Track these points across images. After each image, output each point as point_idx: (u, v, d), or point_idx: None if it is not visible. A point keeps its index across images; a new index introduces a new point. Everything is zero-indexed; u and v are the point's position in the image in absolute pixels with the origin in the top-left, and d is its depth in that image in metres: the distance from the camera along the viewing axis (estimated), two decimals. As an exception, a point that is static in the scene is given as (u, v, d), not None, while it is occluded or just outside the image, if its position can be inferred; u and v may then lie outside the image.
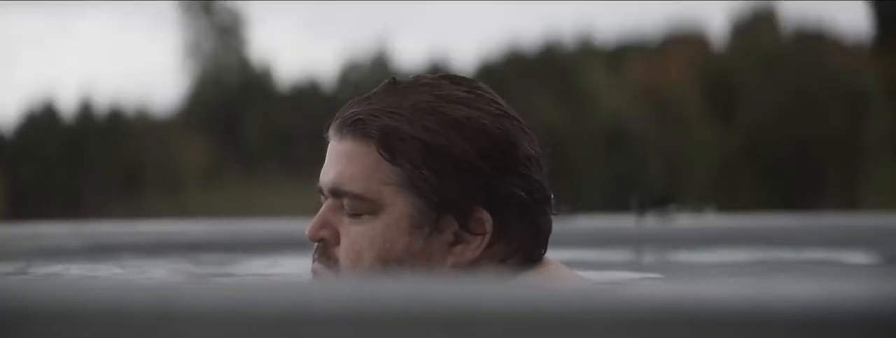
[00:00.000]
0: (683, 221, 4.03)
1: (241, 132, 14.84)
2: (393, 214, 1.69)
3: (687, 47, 14.37)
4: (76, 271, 3.03)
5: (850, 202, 13.00)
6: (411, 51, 15.80)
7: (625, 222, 4.04)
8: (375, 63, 14.45)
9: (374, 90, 1.75)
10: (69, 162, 14.46)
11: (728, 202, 9.78)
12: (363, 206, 1.70)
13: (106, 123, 14.70)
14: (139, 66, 16.72)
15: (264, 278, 2.68)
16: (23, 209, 13.42)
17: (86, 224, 4.57)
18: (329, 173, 1.73)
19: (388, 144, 1.69)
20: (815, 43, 14.04)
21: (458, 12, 15.09)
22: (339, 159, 1.72)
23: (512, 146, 1.71)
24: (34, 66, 15.78)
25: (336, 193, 1.72)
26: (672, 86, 14.26)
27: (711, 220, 4.32)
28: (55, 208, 13.26)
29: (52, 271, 3.00)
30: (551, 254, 1.79)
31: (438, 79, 1.75)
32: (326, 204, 1.74)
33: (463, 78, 1.76)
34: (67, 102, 14.64)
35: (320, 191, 1.75)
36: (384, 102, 1.72)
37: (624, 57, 14.71)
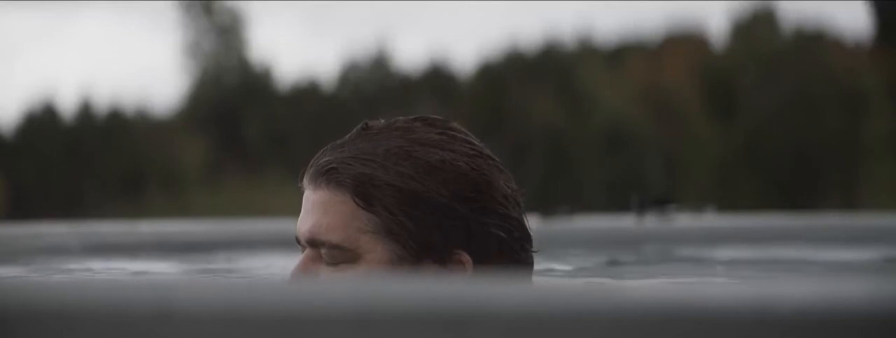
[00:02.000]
0: (683, 221, 4.03)
1: (241, 132, 14.83)
2: (372, 262, 1.68)
3: (687, 47, 14.37)
4: (76, 271, 3.03)
5: (850, 202, 13.00)
6: (411, 51, 15.78)
7: (625, 222, 4.04)
8: (375, 63, 14.43)
9: (347, 136, 1.74)
10: (69, 162, 14.46)
11: (728, 202, 9.78)
12: (341, 255, 1.69)
13: (106, 123, 14.70)
14: (139, 66, 16.71)
15: (264, 278, 2.68)
16: (23, 209, 13.42)
17: (86, 224, 4.57)
18: (306, 223, 1.72)
19: (364, 192, 1.68)
20: (815, 43, 14.04)
21: (458, 12, 15.08)
22: (315, 209, 1.71)
23: (488, 187, 1.70)
24: (34, 66, 15.79)
25: (313, 243, 1.71)
26: (672, 86, 14.26)
27: (711, 220, 4.32)
28: (55, 208, 13.25)
29: (52, 271, 3.00)
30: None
31: (411, 121, 1.74)
32: (304, 254, 1.73)
33: (436, 119, 1.76)
34: (67, 102, 14.65)
35: (297, 241, 1.75)
36: (357, 148, 1.71)
37: (624, 57, 14.71)
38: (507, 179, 1.73)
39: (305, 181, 1.74)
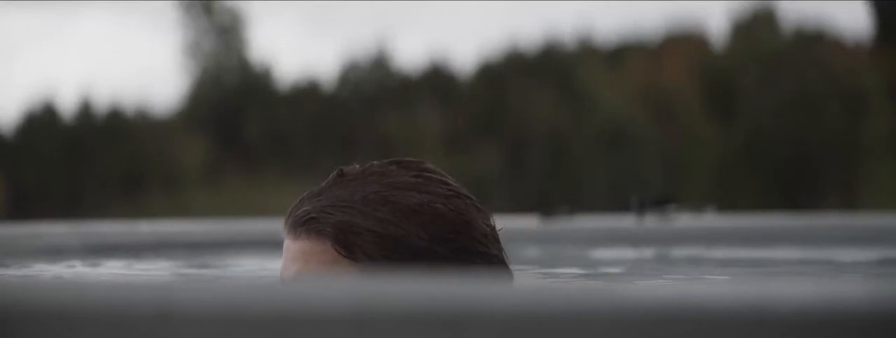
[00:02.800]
0: (683, 221, 4.03)
1: (241, 132, 14.83)
2: None
3: (687, 47, 14.37)
4: (76, 270, 3.03)
5: (850, 202, 13.00)
6: (411, 51, 15.78)
7: (625, 222, 4.03)
8: (375, 63, 14.42)
9: (323, 184, 1.75)
10: (69, 162, 14.46)
11: (728, 202, 9.78)
12: None
13: (106, 123, 14.70)
14: (139, 66, 16.71)
15: (263, 278, 2.68)
16: (23, 209, 13.42)
17: (86, 224, 4.57)
18: (288, 272, 1.73)
19: (344, 240, 1.69)
20: (815, 43, 14.04)
21: (458, 12, 15.08)
22: (297, 259, 1.72)
23: (467, 227, 1.71)
24: (34, 66, 15.78)
25: None
26: (672, 86, 14.26)
27: (711, 220, 4.32)
28: (55, 208, 13.26)
29: (52, 271, 3.00)
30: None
31: (386, 165, 1.75)
32: None
33: (411, 161, 1.77)
34: (67, 102, 14.64)
35: None
36: (334, 196, 1.72)
37: (624, 57, 14.70)
38: (485, 217, 1.75)
39: (285, 231, 1.75)
